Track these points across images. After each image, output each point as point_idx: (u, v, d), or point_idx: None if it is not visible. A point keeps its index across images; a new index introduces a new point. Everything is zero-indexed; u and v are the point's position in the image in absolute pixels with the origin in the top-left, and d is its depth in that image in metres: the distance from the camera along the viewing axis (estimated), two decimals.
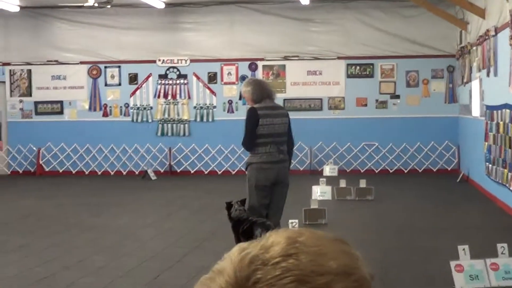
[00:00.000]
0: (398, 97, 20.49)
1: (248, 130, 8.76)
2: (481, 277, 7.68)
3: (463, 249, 7.68)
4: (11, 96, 21.28)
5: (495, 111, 14.18)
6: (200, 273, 8.44)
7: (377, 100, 20.54)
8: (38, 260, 9.77)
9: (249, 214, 8.69)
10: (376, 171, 20.20)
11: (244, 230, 8.47)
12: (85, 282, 8.56)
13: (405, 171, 20.18)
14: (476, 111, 16.64)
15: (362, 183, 15.23)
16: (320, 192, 14.95)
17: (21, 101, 21.24)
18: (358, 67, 20.59)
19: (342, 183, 15.28)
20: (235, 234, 8.71)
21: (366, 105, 20.54)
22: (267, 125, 8.69)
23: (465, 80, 18.29)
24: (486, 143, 15.04)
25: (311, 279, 1.16)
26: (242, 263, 1.19)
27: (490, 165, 14.66)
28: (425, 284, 8.27)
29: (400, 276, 8.67)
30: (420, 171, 20.13)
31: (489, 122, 14.79)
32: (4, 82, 21.24)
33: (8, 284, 8.47)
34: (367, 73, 20.59)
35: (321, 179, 15.43)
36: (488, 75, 14.98)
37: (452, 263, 7.76)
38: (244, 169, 9.49)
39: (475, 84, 16.67)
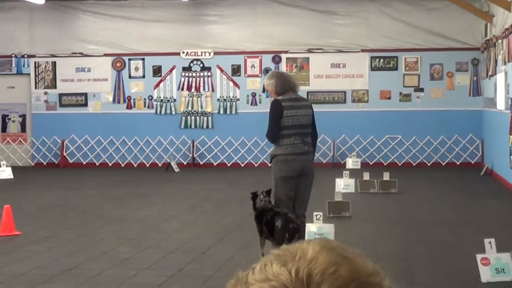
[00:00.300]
0: (422, 90, 20.41)
1: (272, 122, 8.70)
2: (508, 270, 7.65)
3: (489, 242, 7.65)
4: (35, 88, 21.41)
5: None
6: (225, 265, 8.49)
7: (401, 93, 20.47)
8: (63, 251, 9.85)
9: (274, 205, 8.67)
10: (399, 164, 20.14)
11: (267, 220, 8.44)
12: (110, 273, 8.61)
13: (428, 164, 20.10)
14: (501, 104, 16.53)
15: (386, 176, 15.19)
16: (343, 184, 14.92)
17: (45, 93, 21.38)
18: (382, 60, 20.53)
19: (366, 176, 15.23)
20: (258, 225, 8.68)
21: (389, 98, 20.48)
22: (291, 117, 8.63)
23: (490, 73, 18.18)
24: (511, 136, 14.93)
25: (368, 280, 1.18)
26: (299, 279, 1.16)
27: None
28: (450, 277, 8.25)
29: (424, 269, 8.66)
30: (443, 164, 20.05)
31: None
32: (29, 74, 21.38)
33: (34, 274, 8.54)
34: (391, 66, 20.52)
35: (344, 172, 15.39)
36: None
37: (478, 256, 7.74)
38: (268, 162, 9.44)
39: (500, 77, 16.57)
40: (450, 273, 8.41)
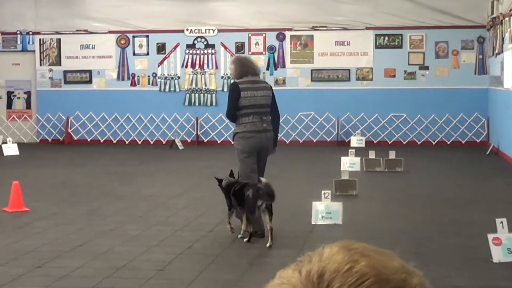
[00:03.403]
0: (427, 68, 20.36)
1: (230, 102, 9.50)
2: None
3: (501, 222, 7.65)
4: (40, 65, 21.38)
5: None
6: (234, 243, 8.51)
7: (405, 71, 20.42)
8: (72, 227, 9.86)
9: (239, 179, 9.32)
10: (404, 143, 20.13)
11: (235, 191, 9.05)
12: (120, 250, 8.62)
13: (433, 143, 20.09)
14: (508, 82, 16.49)
15: (392, 155, 15.17)
16: (349, 163, 14.91)
17: (50, 70, 21.34)
18: (386, 38, 20.46)
19: (371, 155, 15.21)
20: (226, 198, 9.31)
21: (394, 76, 20.43)
22: (248, 97, 9.34)
23: (496, 52, 18.11)
24: None
25: (389, 277, 1.16)
26: (309, 279, 1.16)
27: None
28: (460, 256, 8.25)
29: (433, 249, 8.66)
30: (448, 143, 20.03)
31: None
32: (34, 51, 21.34)
33: (44, 250, 8.56)
34: (396, 43, 20.45)
35: (350, 150, 15.38)
36: None
37: (490, 236, 7.74)
38: (231, 139, 10.22)
39: (507, 55, 16.51)
40: (460, 253, 8.41)
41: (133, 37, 21.09)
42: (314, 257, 1.20)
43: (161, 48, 21.07)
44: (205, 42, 20.97)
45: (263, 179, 8.88)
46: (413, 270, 1.21)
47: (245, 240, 8.99)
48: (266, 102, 9.45)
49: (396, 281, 1.16)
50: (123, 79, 21.15)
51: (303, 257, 1.22)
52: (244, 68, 9.50)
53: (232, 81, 10.29)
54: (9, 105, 21.58)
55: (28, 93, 21.56)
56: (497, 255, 7.68)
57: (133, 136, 21.13)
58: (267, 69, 20.59)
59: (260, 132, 9.37)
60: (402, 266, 1.19)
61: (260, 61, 20.74)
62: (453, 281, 7.27)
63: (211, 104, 20.95)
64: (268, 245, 8.70)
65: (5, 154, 18.13)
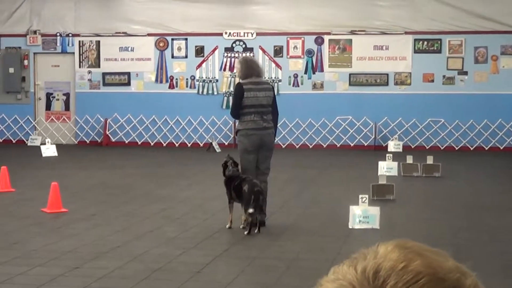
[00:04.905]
0: (466, 73, 20.20)
1: (234, 101, 10.47)
2: None
3: None
4: (79, 67, 21.60)
5: None
6: (271, 247, 8.51)
7: (444, 76, 20.29)
8: (110, 229, 9.95)
9: (241, 173, 10.08)
10: (442, 148, 20.01)
11: (235, 186, 9.84)
12: (157, 252, 8.68)
13: (471, 149, 19.94)
14: None
15: (429, 160, 15.09)
16: (386, 168, 14.85)
17: (89, 72, 21.55)
18: (425, 43, 20.35)
19: (409, 159, 15.14)
20: (227, 189, 10.06)
21: (433, 81, 20.31)
22: (251, 98, 10.14)
23: None
24: None
25: (445, 277, 1.17)
26: (365, 276, 1.18)
27: None
28: (498, 264, 8.19)
29: (471, 255, 8.59)
30: (486, 148, 19.87)
31: None
32: (73, 53, 21.57)
33: (83, 251, 8.64)
34: (435, 48, 20.33)
35: (387, 155, 15.31)
36: None
37: None
38: (235, 135, 10.75)
39: None
40: (499, 260, 8.34)
41: (172, 39, 21.22)
42: (369, 255, 1.22)
43: (199, 51, 21.18)
44: (244, 46, 21.04)
45: (250, 210, 9.56)
46: (467, 270, 1.23)
47: (245, 233, 9.63)
48: (267, 102, 10.26)
49: (451, 280, 1.17)
50: (161, 82, 21.29)
51: (357, 254, 1.25)
52: (249, 70, 10.29)
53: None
54: (48, 106, 21.84)
55: (67, 95, 21.80)
56: None
57: (171, 139, 21.25)
58: (305, 72, 20.58)
59: (261, 130, 10.17)
60: (456, 266, 1.21)
61: (298, 65, 20.77)
62: None
63: None
64: (255, 231, 9.63)
65: (43, 155, 18.33)
